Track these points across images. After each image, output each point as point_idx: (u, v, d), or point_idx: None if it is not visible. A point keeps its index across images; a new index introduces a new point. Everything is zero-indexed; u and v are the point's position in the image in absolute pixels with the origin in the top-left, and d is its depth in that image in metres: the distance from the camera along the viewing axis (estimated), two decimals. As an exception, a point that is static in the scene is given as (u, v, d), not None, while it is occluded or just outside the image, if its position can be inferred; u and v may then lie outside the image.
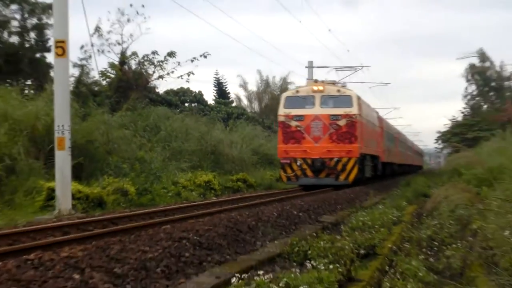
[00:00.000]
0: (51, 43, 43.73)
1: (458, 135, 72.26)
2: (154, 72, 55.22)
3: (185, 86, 68.33)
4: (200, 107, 72.71)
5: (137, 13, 49.98)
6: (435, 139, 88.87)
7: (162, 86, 60.80)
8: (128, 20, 50.58)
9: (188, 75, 53.60)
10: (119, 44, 52.84)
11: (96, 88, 50.67)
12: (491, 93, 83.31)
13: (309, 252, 9.52)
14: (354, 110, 36.64)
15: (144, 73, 55.38)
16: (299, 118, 37.15)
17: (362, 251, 10.40)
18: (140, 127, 39.45)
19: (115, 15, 51.07)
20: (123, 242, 10.28)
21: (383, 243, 11.68)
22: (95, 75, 50.86)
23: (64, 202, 19.02)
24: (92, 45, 44.96)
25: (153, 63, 54.90)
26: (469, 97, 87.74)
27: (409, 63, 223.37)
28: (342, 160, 35.41)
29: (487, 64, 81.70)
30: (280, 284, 6.51)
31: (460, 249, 10.70)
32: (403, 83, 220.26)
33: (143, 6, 48.82)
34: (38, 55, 49.90)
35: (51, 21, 43.50)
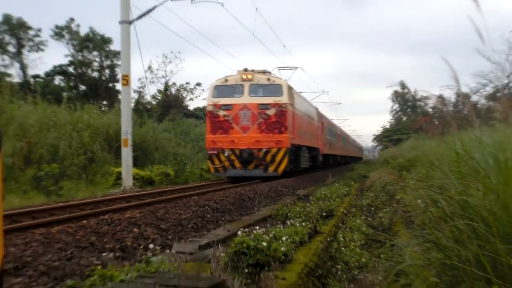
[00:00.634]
0: (119, 76, 45.85)
1: (386, 137, 73.54)
2: (187, 95, 60.12)
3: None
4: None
5: (176, 56, 55.54)
6: (372, 140, 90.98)
7: (192, 105, 63.92)
8: (170, 61, 55.97)
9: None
10: (163, 77, 57.20)
11: (148, 106, 55.01)
12: (408, 110, 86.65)
13: (289, 214, 9.52)
14: (284, 99, 25.15)
15: (180, 97, 59.74)
16: (227, 107, 25.62)
17: (324, 214, 10.42)
18: (177, 132, 39.99)
19: (161, 58, 58.55)
20: (166, 207, 10.32)
21: (338, 208, 11.74)
22: (148, 97, 56.81)
23: (127, 181, 19.60)
24: (146, 78, 52.02)
25: (186, 90, 59.67)
26: (394, 112, 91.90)
27: (356, 89, 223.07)
28: (271, 151, 24.47)
29: (406, 90, 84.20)
30: (270, 235, 6.48)
31: (388, 212, 10.78)
32: (352, 102, 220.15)
33: (179, 52, 54.21)
34: (110, 84, 54.49)
35: (119, 62, 44.15)
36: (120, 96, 29.85)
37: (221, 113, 23.79)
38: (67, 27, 52.39)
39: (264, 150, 23.20)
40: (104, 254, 5.94)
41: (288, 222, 8.62)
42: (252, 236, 6.03)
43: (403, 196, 10.35)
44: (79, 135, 24.55)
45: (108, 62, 54.41)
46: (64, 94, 41.88)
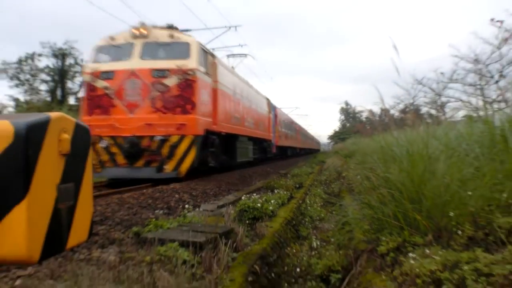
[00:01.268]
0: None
1: (337, 136, 74.31)
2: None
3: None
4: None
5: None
6: (327, 138, 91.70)
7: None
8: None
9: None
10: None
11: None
12: (350, 119, 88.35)
13: (275, 185, 9.50)
14: (192, 63, 9.83)
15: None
16: (108, 76, 9.92)
17: (297, 185, 10.40)
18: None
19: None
20: (196, 182, 10.26)
21: (306, 182, 11.72)
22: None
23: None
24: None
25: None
26: (341, 120, 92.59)
27: (318, 105, 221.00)
28: (170, 140, 9.64)
29: (349, 106, 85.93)
30: (262, 199, 6.48)
31: (338, 184, 10.81)
32: (315, 114, 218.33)
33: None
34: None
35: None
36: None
37: (100, 84, 10.04)
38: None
39: (158, 138, 9.78)
40: (156, 211, 5.95)
41: (275, 191, 8.64)
42: (251, 200, 6.06)
43: (347, 173, 10.38)
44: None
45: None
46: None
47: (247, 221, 5.40)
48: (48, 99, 35.71)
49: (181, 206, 6.56)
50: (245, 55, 19.84)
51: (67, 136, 1.47)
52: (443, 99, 20.64)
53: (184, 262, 3.30)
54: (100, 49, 10.59)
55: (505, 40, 12.40)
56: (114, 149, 9.78)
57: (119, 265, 3.15)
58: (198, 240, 3.71)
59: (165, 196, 7.61)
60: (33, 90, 36.95)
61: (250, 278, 3.43)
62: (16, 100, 34.61)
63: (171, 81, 9.83)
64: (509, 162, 3.75)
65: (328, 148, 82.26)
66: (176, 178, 9.97)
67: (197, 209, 6.41)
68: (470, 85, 17.50)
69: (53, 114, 1.47)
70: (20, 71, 36.83)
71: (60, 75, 37.74)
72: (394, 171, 3.86)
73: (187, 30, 12.64)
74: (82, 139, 1.60)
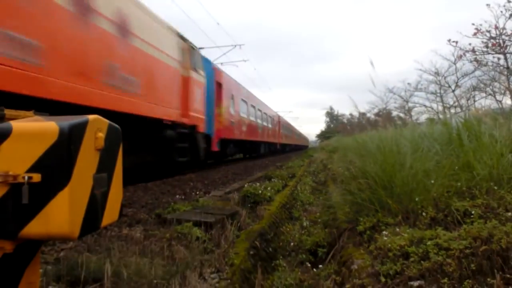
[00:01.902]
0: None
1: (323, 135, 73.80)
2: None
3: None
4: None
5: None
6: (315, 136, 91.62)
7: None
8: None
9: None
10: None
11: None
12: (334, 121, 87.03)
13: (272, 175, 9.48)
14: None
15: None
16: None
17: (290, 175, 10.37)
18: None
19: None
20: (208, 172, 10.24)
21: (297, 172, 11.67)
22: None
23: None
24: None
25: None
26: (326, 122, 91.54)
27: (306, 110, 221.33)
28: None
29: (333, 111, 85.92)
30: (262, 187, 6.47)
31: (324, 175, 10.76)
32: (304, 117, 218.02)
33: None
34: None
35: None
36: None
37: None
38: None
39: None
40: (175, 196, 5.94)
41: (273, 180, 8.62)
42: (252, 187, 6.04)
43: (331, 166, 10.35)
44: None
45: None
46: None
47: (249, 205, 5.39)
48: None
49: (194, 193, 6.56)
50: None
51: (101, 135, 1.48)
52: (410, 104, 20.63)
53: (197, 238, 3.30)
54: None
55: (460, 57, 12.40)
56: None
57: (143, 241, 3.15)
58: (208, 220, 3.71)
59: (182, 184, 7.60)
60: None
61: (251, 252, 3.43)
62: None
63: None
64: (463, 156, 3.75)
65: (316, 145, 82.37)
66: (191, 169, 8.62)
67: (208, 195, 6.41)
68: (432, 93, 17.50)
69: (91, 117, 1.48)
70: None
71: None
72: (370, 164, 3.86)
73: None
74: (114, 137, 1.61)
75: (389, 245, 2.47)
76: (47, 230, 1.31)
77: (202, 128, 8.78)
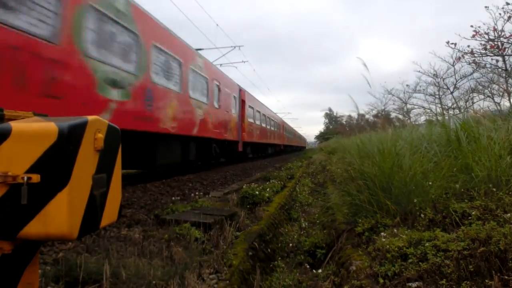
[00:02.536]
0: None
1: (322, 136, 73.81)
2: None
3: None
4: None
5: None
6: (314, 137, 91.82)
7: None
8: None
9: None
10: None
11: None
12: (333, 122, 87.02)
13: (271, 177, 9.49)
14: None
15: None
16: None
17: (289, 176, 10.38)
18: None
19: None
20: (207, 173, 10.24)
21: (296, 173, 11.69)
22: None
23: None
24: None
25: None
26: (325, 123, 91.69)
27: (305, 111, 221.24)
28: None
29: (332, 112, 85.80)
30: (260, 188, 6.47)
31: (322, 176, 10.75)
32: (303, 118, 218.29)
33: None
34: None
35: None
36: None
37: None
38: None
39: None
40: (173, 197, 5.94)
41: (271, 181, 8.61)
42: (251, 188, 6.03)
43: (330, 167, 10.36)
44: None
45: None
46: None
47: (248, 206, 5.39)
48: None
49: (193, 193, 6.55)
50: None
51: (101, 135, 1.48)
52: (409, 106, 20.65)
53: (196, 239, 3.30)
54: None
55: (458, 59, 12.43)
56: None
57: (142, 242, 3.14)
58: (207, 221, 3.71)
59: (180, 185, 7.59)
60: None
61: (250, 253, 3.43)
62: None
63: None
64: (461, 158, 3.76)
65: (315, 146, 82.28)
66: (191, 169, 10.52)
67: (206, 195, 6.41)
68: (431, 95, 17.52)
69: (90, 117, 1.48)
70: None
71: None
72: (368, 165, 3.86)
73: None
74: (113, 137, 1.61)
75: (388, 246, 2.47)
76: (46, 231, 1.30)
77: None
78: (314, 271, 3.30)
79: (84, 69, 4.96)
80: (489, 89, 13.12)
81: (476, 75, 13.04)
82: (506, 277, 1.89)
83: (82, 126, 1.39)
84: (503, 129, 4.22)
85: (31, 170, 1.30)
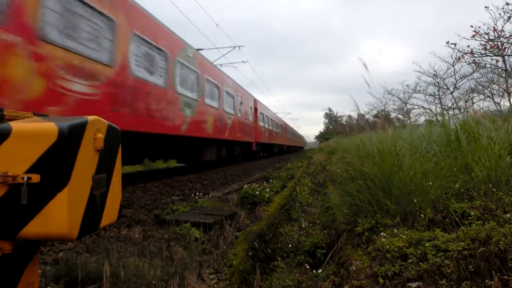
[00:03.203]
0: None
1: (322, 136, 73.80)
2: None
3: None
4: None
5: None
6: (314, 137, 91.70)
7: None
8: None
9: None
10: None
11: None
12: (333, 122, 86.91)
13: (270, 176, 9.49)
14: None
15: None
16: None
17: (288, 176, 10.37)
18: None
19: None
20: (207, 173, 10.24)
21: (296, 173, 11.67)
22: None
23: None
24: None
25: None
26: (325, 123, 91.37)
27: (305, 111, 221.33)
28: None
29: (332, 112, 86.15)
30: (260, 188, 6.47)
31: (322, 176, 10.73)
32: (303, 118, 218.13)
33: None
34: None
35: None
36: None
37: None
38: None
39: None
40: (173, 197, 5.93)
41: (271, 181, 8.61)
42: (251, 188, 6.04)
43: (330, 167, 10.36)
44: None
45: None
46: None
47: (248, 206, 5.39)
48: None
49: (193, 193, 6.55)
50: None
51: (101, 135, 1.48)
52: (409, 106, 20.64)
53: (196, 239, 3.30)
54: None
55: (458, 59, 12.43)
56: None
57: (142, 242, 3.14)
58: (207, 221, 3.71)
59: (180, 185, 7.59)
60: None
61: (250, 253, 3.43)
62: None
63: None
64: (461, 158, 3.75)
65: (315, 146, 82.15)
66: (191, 170, 11.86)
67: (207, 195, 6.41)
68: (430, 95, 17.51)
69: (90, 117, 1.48)
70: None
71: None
72: (368, 165, 3.86)
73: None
74: (113, 137, 1.60)
75: (388, 246, 2.47)
76: (46, 231, 1.30)
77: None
78: (314, 271, 3.30)
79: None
80: (489, 89, 13.13)
81: (476, 75, 13.05)
82: (506, 277, 1.89)
83: (82, 126, 1.39)
84: (503, 129, 4.22)
85: (31, 170, 1.30)
